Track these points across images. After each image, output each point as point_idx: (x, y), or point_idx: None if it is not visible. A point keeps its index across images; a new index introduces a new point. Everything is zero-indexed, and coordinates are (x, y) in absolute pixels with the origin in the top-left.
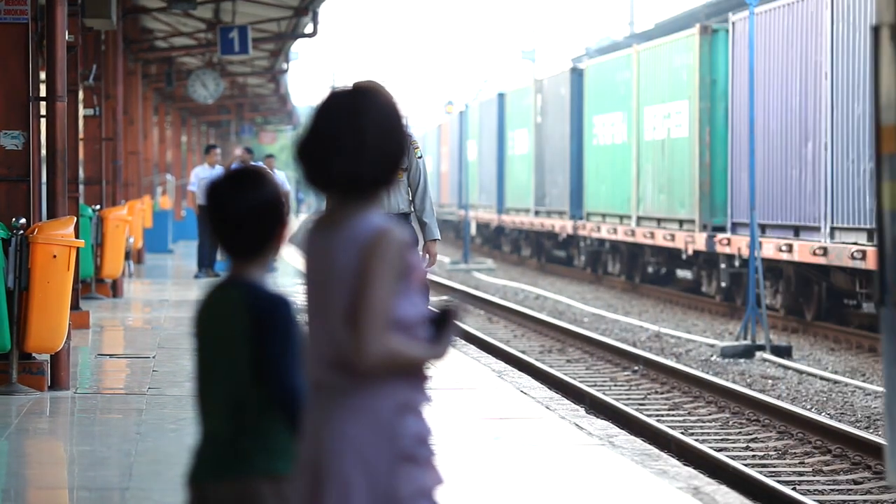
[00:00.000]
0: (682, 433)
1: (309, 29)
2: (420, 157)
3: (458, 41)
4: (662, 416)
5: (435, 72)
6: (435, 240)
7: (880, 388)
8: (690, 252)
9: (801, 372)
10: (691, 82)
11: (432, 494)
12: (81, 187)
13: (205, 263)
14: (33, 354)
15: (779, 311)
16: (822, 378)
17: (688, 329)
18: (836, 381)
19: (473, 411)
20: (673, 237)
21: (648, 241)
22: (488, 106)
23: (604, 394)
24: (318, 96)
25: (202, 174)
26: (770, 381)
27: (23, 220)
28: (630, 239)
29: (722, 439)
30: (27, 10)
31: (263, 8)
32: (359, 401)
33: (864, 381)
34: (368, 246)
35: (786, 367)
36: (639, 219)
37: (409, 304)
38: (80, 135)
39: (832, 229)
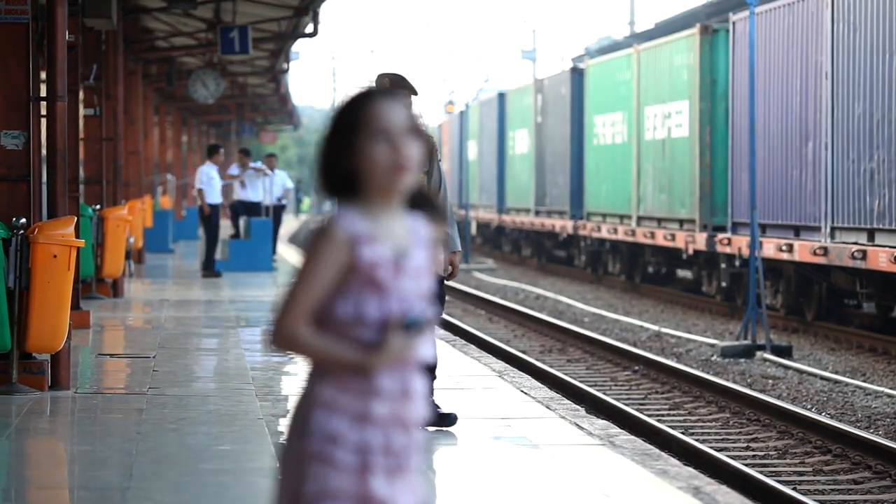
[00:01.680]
0: (682, 433)
1: (309, 28)
2: (439, 161)
3: (459, 41)
4: (663, 416)
5: (435, 72)
6: (456, 252)
7: (881, 388)
8: (691, 252)
9: (801, 372)
10: (692, 82)
11: (343, 500)
12: (82, 187)
13: (208, 264)
14: (34, 354)
15: (779, 311)
16: (822, 378)
17: (688, 329)
18: (836, 381)
19: (473, 411)
20: (673, 237)
21: (649, 241)
22: (489, 106)
23: (604, 394)
24: (319, 96)
25: (212, 174)
26: (770, 381)
27: (23, 220)
28: (630, 239)
29: (722, 439)
30: (27, 10)
31: (264, 8)
32: (299, 394)
33: (864, 381)
34: (309, 237)
35: (786, 367)
36: (639, 219)
37: (348, 302)
38: (81, 134)
39: (832, 229)
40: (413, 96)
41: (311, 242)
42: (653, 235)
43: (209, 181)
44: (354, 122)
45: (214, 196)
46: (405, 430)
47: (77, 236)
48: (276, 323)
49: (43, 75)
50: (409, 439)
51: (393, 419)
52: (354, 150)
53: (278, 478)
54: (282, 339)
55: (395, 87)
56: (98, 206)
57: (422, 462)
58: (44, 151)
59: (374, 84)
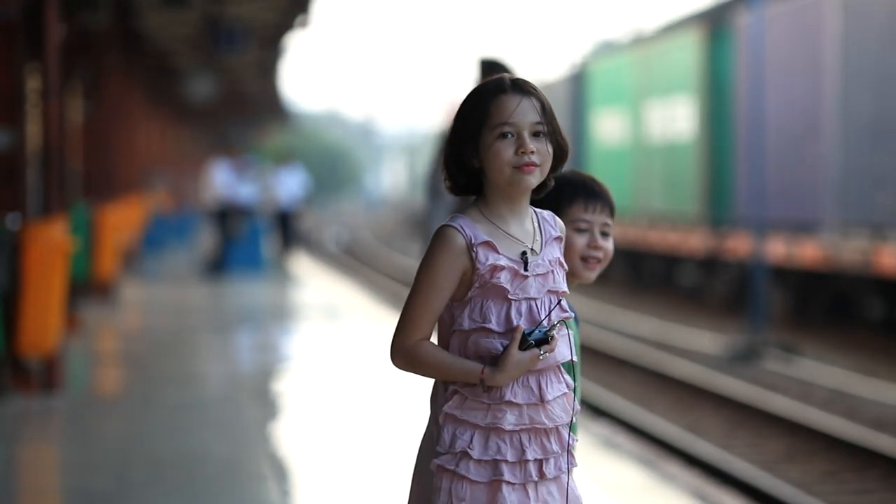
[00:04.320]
0: (685, 435)
1: (305, 27)
2: None
3: (461, 42)
4: (665, 417)
5: (435, 72)
6: None
7: (888, 390)
8: (694, 251)
9: (807, 373)
10: (695, 80)
11: None
12: (75, 186)
13: (220, 263)
14: (26, 357)
15: (784, 311)
16: (829, 379)
17: (691, 329)
18: (843, 383)
19: None
20: (676, 236)
21: (651, 241)
22: None
23: (606, 395)
24: (316, 95)
25: (219, 171)
26: (776, 383)
27: (15, 220)
28: (633, 238)
29: (727, 442)
30: (20, 6)
31: (259, 5)
32: (433, 404)
33: (872, 383)
34: (427, 246)
35: (792, 368)
36: (641, 218)
37: (470, 310)
38: (74, 133)
39: (839, 228)
40: None
41: (428, 251)
42: (655, 235)
43: (218, 179)
44: (479, 116)
45: (223, 194)
46: (541, 438)
47: (70, 236)
48: (393, 339)
49: (35, 73)
50: (546, 446)
51: (526, 429)
52: (479, 146)
53: (410, 497)
54: (400, 356)
55: (493, 70)
56: (91, 206)
57: (571, 462)
58: (36, 150)
59: (501, 75)
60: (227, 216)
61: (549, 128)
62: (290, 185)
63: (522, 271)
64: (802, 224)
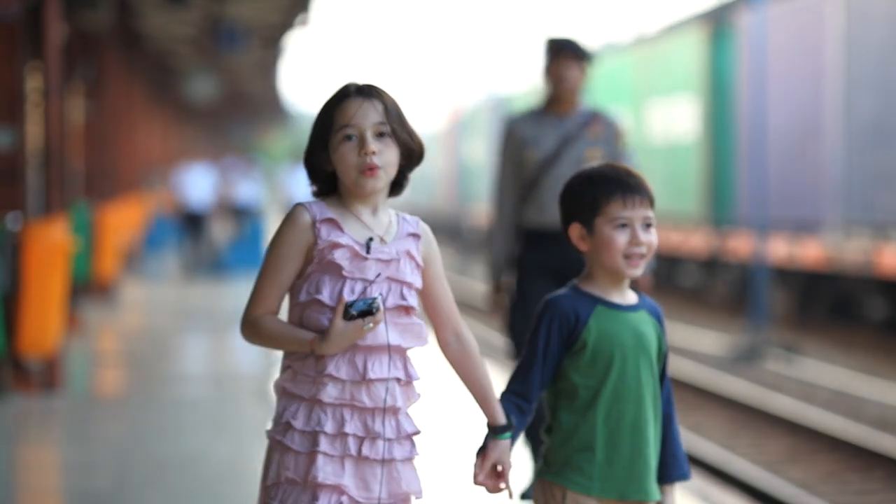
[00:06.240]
0: (688, 436)
1: (306, 27)
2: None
3: (462, 42)
4: None
5: (436, 73)
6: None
7: (891, 391)
8: (696, 251)
9: (809, 373)
10: (696, 80)
11: (295, 485)
12: (76, 186)
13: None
14: (26, 357)
15: (786, 312)
16: (831, 379)
17: (693, 329)
18: (845, 383)
19: (472, 413)
20: (678, 236)
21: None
22: (492, 107)
23: None
24: (315, 95)
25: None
26: (778, 383)
27: (15, 220)
28: None
29: (729, 442)
30: (21, 6)
31: (260, 5)
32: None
33: (874, 383)
34: None
35: (794, 369)
36: None
37: (307, 284)
38: (75, 133)
39: (841, 229)
40: (585, 62)
41: (277, 228)
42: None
43: (186, 180)
44: (327, 122)
45: (196, 196)
46: (365, 417)
47: (71, 236)
48: (243, 313)
49: (36, 72)
50: (369, 426)
51: (346, 404)
52: (329, 151)
53: None
54: (246, 328)
55: (562, 51)
56: (92, 206)
57: (409, 452)
58: (37, 150)
59: (347, 83)
60: (193, 220)
61: (393, 128)
62: (305, 184)
63: (364, 253)
64: (804, 224)
